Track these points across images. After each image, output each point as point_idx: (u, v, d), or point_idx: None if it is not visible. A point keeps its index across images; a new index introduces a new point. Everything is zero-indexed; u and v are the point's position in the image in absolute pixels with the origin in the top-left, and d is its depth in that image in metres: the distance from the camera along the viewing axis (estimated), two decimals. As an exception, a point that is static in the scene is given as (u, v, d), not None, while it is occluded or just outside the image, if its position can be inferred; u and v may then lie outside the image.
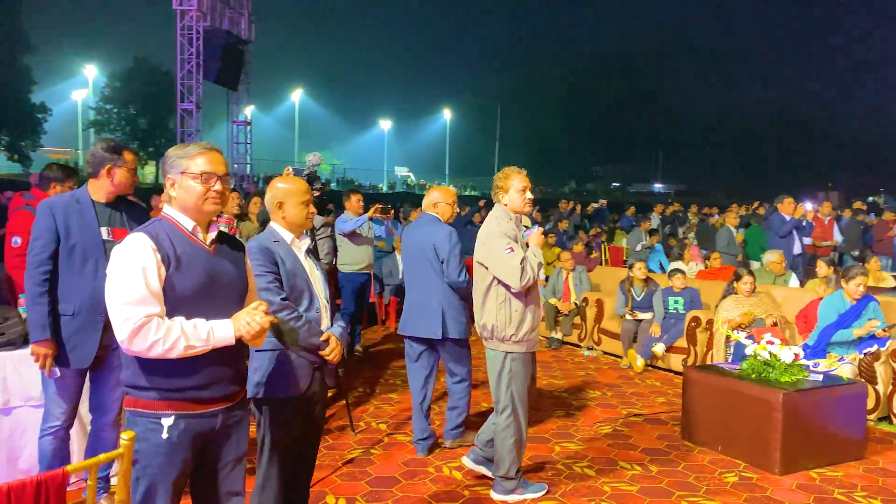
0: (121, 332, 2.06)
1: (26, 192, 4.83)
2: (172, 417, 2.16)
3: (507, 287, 3.75)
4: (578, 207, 15.68)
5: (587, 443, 4.90)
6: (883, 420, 5.35)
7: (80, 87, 42.39)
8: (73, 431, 3.50)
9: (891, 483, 4.23)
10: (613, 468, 4.41)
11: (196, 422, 2.20)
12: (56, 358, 3.27)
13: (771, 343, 4.67)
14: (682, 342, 6.89)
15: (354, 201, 7.11)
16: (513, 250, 3.70)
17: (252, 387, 2.88)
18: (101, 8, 60.35)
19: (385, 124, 57.52)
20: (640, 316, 7.38)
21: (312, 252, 3.09)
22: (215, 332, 2.16)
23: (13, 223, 4.61)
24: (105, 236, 3.33)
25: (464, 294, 4.48)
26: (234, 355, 2.30)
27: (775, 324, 6.11)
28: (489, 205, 5.39)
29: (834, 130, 63.64)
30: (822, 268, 7.89)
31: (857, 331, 5.39)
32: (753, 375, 4.63)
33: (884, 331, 5.38)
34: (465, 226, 11.07)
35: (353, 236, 7.01)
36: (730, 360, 5.99)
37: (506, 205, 3.88)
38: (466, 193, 41.19)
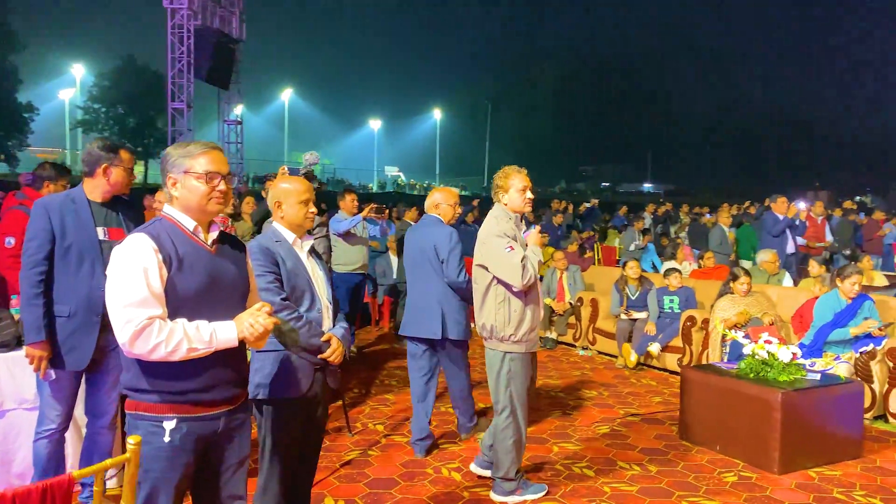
0: (122, 335, 2.02)
1: (19, 192, 4.77)
2: (174, 421, 2.12)
3: (508, 286, 3.73)
4: (571, 207, 15.70)
5: (585, 443, 4.88)
6: (879, 419, 5.37)
7: (67, 87, 42.08)
8: (68, 435, 3.45)
9: (889, 482, 4.24)
10: (612, 468, 4.40)
11: (198, 425, 2.16)
12: (51, 360, 3.22)
13: (769, 342, 4.67)
14: (677, 341, 6.90)
15: (349, 201, 7.07)
16: (512, 249, 3.68)
17: (252, 388, 2.84)
18: (89, 6, 59.96)
19: (375, 124, 57.44)
20: (635, 315, 7.38)
21: (316, 252, 3.06)
22: (218, 333, 2.13)
23: (6, 223, 4.54)
24: (101, 236, 3.28)
25: (464, 294, 4.49)
26: (236, 357, 2.27)
27: (772, 323, 6.12)
28: (482, 204, 5.40)
29: (823, 131, 64.14)
30: (814, 267, 7.94)
31: (854, 329, 5.41)
32: (752, 375, 4.63)
33: (880, 329, 5.40)
34: (459, 225, 11.04)
35: (347, 236, 6.98)
36: (725, 360, 6.01)
37: (505, 204, 3.86)
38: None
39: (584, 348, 8.08)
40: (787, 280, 7.85)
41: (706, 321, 6.61)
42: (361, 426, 5.16)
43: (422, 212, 9.35)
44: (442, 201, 4.69)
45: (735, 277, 6.34)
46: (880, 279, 8.45)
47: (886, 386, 5.28)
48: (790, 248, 8.84)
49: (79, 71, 41.79)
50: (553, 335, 8.35)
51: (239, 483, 2.34)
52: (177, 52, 24.88)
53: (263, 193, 5.80)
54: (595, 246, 12.23)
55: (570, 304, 8.35)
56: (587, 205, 16.37)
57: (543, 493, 3.97)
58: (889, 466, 4.49)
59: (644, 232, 12.06)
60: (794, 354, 4.62)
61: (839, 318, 5.49)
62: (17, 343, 3.65)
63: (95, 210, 3.30)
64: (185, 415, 2.13)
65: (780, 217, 8.81)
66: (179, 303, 2.11)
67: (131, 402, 2.14)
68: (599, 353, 7.90)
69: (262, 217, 5.75)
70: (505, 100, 64.41)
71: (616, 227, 14.42)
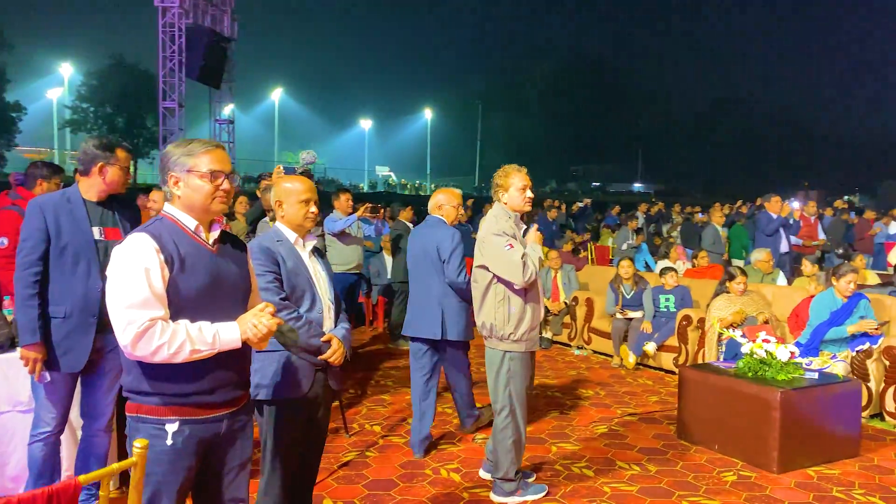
0: (124, 337, 1.98)
1: (12, 192, 4.71)
2: (177, 423, 2.08)
3: (509, 285, 3.71)
4: (563, 207, 15.71)
5: (584, 443, 4.87)
6: (875, 417, 5.39)
7: (55, 86, 41.70)
8: (63, 437, 3.40)
9: (887, 480, 4.24)
10: (612, 468, 4.39)
11: (201, 427, 2.13)
12: (46, 362, 3.17)
13: (767, 341, 4.67)
14: (672, 340, 6.90)
15: (343, 200, 7.04)
16: (512, 247, 3.66)
17: (252, 388, 2.79)
18: (77, 5, 59.52)
19: (366, 124, 57.30)
20: (631, 314, 7.38)
21: (319, 252, 3.03)
22: (221, 335, 2.09)
23: (-1, 223, 4.48)
24: (97, 236, 3.24)
25: (464, 295, 4.48)
26: (238, 358, 2.23)
27: (766, 321, 6.13)
28: (475, 204, 5.39)
29: (812, 131, 64.54)
30: (807, 266, 7.97)
31: (851, 327, 5.42)
32: (750, 374, 4.63)
33: (875, 329, 5.41)
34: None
35: (342, 236, 6.94)
36: (721, 359, 6.01)
37: (505, 203, 3.84)
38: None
39: (579, 348, 8.07)
40: (781, 279, 7.87)
41: (702, 320, 6.62)
42: (358, 427, 5.13)
43: (416, 212, 9.37)
44: (445, 202, 4.70)
45: (731, 277, 6.35)
46: (872, 278, 8.49)
47: (882, 384, 5.30)
48: (784, 248, 8.88)
49: (67, 70, 41.42)
50: (548, 335, 8.33)
51: (241, 486, 2.30)
52: (168, 51, 24.69)
53: (258, 193, 5.75)
54: (588, 245, 12.24)
55: (566, 303, 8.34)
56: (580, 204, 16.39)
57: (543, 493, 3.96)
58: (886, 465, 4.50)
59: (637, 231, 12.08)
60: (791, 353, 4.63)
61: (835, 316, 5.51)
62: (10, 345, 3.60)
63: (91, 209, 3.26)
64: (187, 417, 2.09)
65: (774, 216, 8.84)
66: (181, 304, 2.07)
67: (132, 404, 2.11)
68: (595, 352, 7.90)
69: (257, 217, 5.70)
70: (496, 100, 64.32)
71: (609, 227, 14.44)
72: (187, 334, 2.02)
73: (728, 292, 6.37)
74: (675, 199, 20.06)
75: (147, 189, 7.27)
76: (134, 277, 2.00)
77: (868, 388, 5.31)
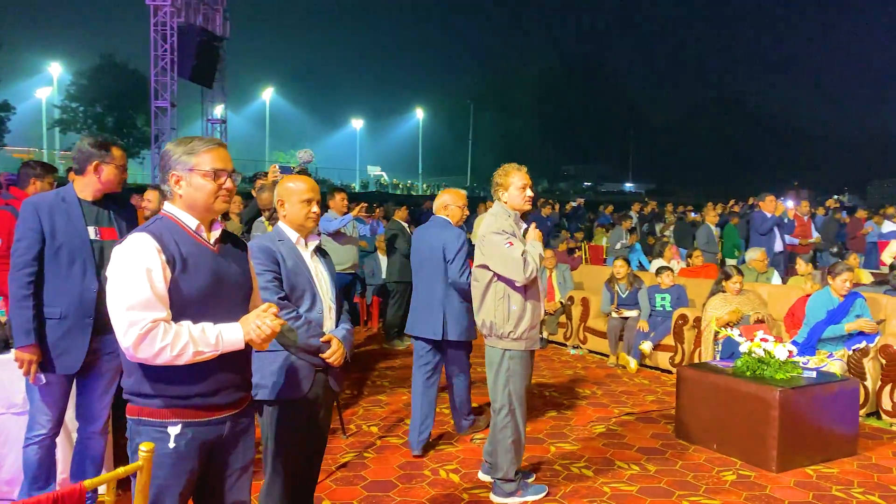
0: (126, 339, 1.94)
1: (4, 192, 4.64)
2: (179, 426, 2.05)
3: (509, 283, 3.70)
4: (557, 207, 15.72)
5: (582, 442, 4.86)
6: (871, 416, 5.40)
7: (44, 85, 41.38)
8: (59, 440, 3.35)
9: (885, 478, 4.25)
10: (611, 468, 4.37)
11: (204, 430, 2.09)
12: (41, 364, 3.13)
13: (765, 340, 4.67)
14: (669, 340, 6.90)
15: (339, 200, 7.00)
16: (512, 244, 3.66)
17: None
18: (66, 4, 59.10)
19: (357, 123, 57.20)
20: (626, 313, 7.38)
21: (322, 252, 3.00)
22: (224, 336, 2.05)
23: (-7, 224, 4.42)
24: (92, 236, 3.20)
25: (467, 296, 4.48)
26: (240, 360, 2.20)
27: (761, 320, 6.14)
28: (470, 204, 5.41)
29: (799, 131, 64.88)
30: (801, 265, 7.99)
31: (849, 325, 5.43)
32: (748, 373, 4.63)
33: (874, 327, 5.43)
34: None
35: (337, 236, 6.90)
36: (718, 358, 6.01)
37: (505, 202, 3.83)
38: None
39: (575, 347, 8.07)
40: (776, 278, 7.89)
41: (698, 319, 6.62)
42: (355, 428, 5.09)
43: (411, 212, 9.34)
44: (451, 203, 4.76)
45: (727, 276, 6.35)
46: (866, 276, 8.52)
47: (879, 383, 5.31)
48: (778, 247, 8.89)
49: (56, 70, 41.11)
50: (544, 334, 8.32)
51: (243, 488, 2.27)
52: (160, 50, 24.57)
53: (253, 192, 5.71)
54: (582, 245, 12.24)
55: (561, 303, 8.33)
56: (573, 204, 16.40)
57: (544, 494, 3.94)
58: (884, 463, 4.51)
59: (631, 231, 12.08)
60: (790, 352, 4.63)
61: (832, 315, 5.51)
62: (5, 346, 3.55)
63: (86, 209, 3.22)
64: (190, 419, 2.06)
65: (769, 215, 8.86)
66: (184, 305, 2.04)
67: (134, 407, 2.07)
68: (590, 351, 7.89)
69: (252, 216, 5.66)
70: (487, 100, 64.43)
71: (603, 226, 14.45)
72: (190, 336, 1.98)
73: (724, 291, 6.37)
74: (667, 199, 20.09)
75: (138, 189, 7.20)
76: (135, 278, 1.97)
77: (865, 387, 5.32)
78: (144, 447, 1.70)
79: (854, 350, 5.40)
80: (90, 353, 3.18)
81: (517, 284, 3.69)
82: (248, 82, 50.73)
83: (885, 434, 5.09)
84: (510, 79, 70.99)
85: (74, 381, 3.29)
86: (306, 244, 2.91)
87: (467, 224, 11.24)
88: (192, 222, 2.15)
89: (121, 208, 3.38)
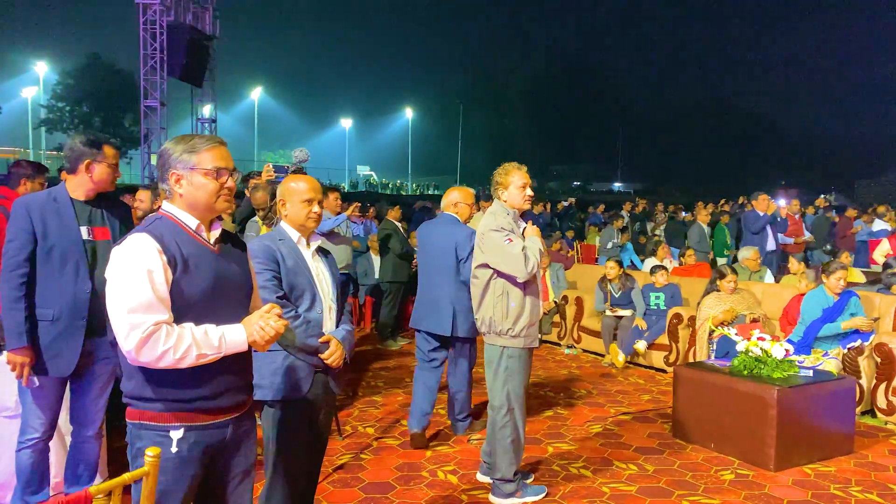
0: (127, 343, 1.89)
1: (-6, 192, 4.56)
2: (182, 430, 2.00)
3: (509, 279, 3.68)
4: (548, 206, 15.73)
5: (579, 442, 4.84)
6: (866, 414, 5.41)
7: (30, 84, 41.02)
8: (52, 444, 3.30)
9: (882, 477, 4.26)
10: (609, 468, 4.36)
11: (207, 434, 2.06)
12: (34, 366, 3.08)
13: (762, 339, 4.67)
14: (663, 339, 6.90)
15: (332, 199, 6.95)
16: (511, 241, 3.64)
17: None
18: (53, 3, 58.56)
19: (346, 123, 57.07)
20: (620, 312, 7.37)
21: (324, 252, 2.96)
22: (227, 338, 2.02)
23: (-18, 225, 4.35)
24: (85, 236, 3.15)
25: None
26: (242, 361, 2.16)
27: (756, 320, 6.15)
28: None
29: (786, 131, 65.32)
30: (794, 264, 8.02)
31: (845, 323, 5.45)
32: (745, 372, 4.62)
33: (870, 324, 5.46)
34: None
35: (330, 235, 6.85)
36: (713, 357, 6.01)
37: (505, 201, 3.81)
38: (430, 193, 41.12)
39: (569, 347, 8.06)
40: (769, 277, 7.91)
41: (692, 318, 6.62)
42: (351, 429, 5.05)
43: (403, 211, 9.31)
44: (460, 200, 4.85)
45: (722, 275, 6.36)
46: (858, 275, 8.56)
47: (874, 381, 5.32)
48: (770, 245, 8.92)
49: (42, 69, 40.76)
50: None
51: (245, 492, 2.23)
52: (149, 49, 24.37)
53: (247, 192, 5.65)
54: (575, 244, 12.25)
55: (555, 302, 8.32)
56: (564, 203, 16.42)
57: (543, 494, 3.91)
58: (881, 461, 4.52)
59: (622, 230, 12.10)
60: (786, 351, 4.63)
61: (828, 313, 5.53)
62: (-4, 348, 3.48)
63: (79, 208, 3.17)
64: (192, 423, 2.02)
65: (761, 214, 8.88)
66: (185, 306, 1.99)
67: (134, 411, 2.02)
68: (585, 351, 7.89)
69: (246, 216, 5.61)
70: (476, 99, 64.46)
71: (595, 225, 14.47)
72: (193, 338, 1.94)
73: (718, 291, 6.37)
74: (655, 198, 20.13)
75: (126, 190, 7.07)
76: (136, 280, 1.92)
77: (860, 385, 5.33)
78: (151, 452, 1.66)
79: (849, 349, 5.42)
80: (84, 355, 3.14)
81: (519, 280, 3.67)
82: (236, 81, 50.46)
83: (880, 432, 5.11)
84: (500, 78, 71.09)
85: (68, 384, 3.24)
86: (308, 244, 2.87)
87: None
88: (192, 222, 2.11)
89: (114, 207, 3.33)
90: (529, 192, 3.81)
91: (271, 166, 5.23)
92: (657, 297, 7.22)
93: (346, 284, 7.13)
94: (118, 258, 1.98)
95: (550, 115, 67.24)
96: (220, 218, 5.92)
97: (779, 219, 9.02)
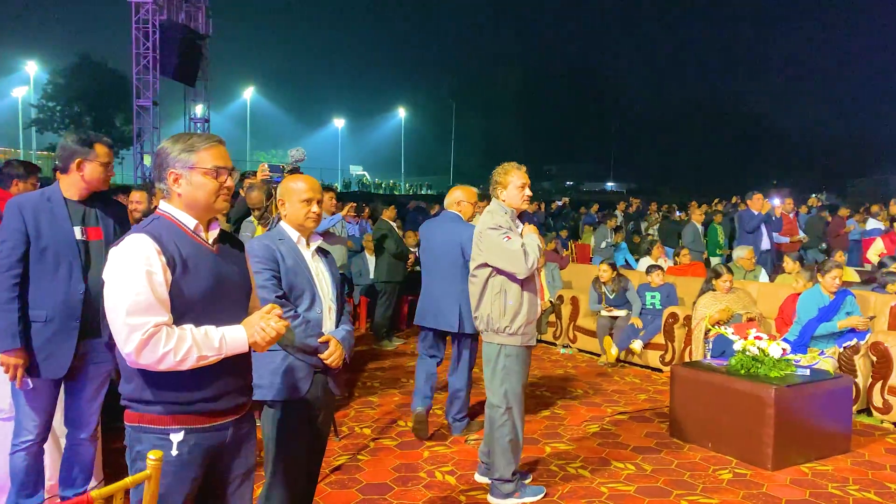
0: (127, 345, 1.86)
1: (-14, 192, 4.51)
2: (182, 433, 1.98)
3: (508, 277, 3.67)
4: (542, 206, 15.74)
5: (577, 442, 4.83)
6: (862, 412, 5.42)
7: (20, 84, 40.76)
8: (47, 446, 3.26)
9: (879, 475, 4.26)
10: (607, 468, 4.35)
11: (207, 436, 2.03)
12: (27, 368, 3.04)
13: (759, 338, 4.67)
14: (659, 338, 6.90)
15: (327, 199, 6.91)
16: (510, 238, 3.63)
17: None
18: (43, 1, 58.18)
19: (339, 122, 56.97)
20: (616, 312, 7.36)
21: (324, 252, 2.94)
22: (227, 339, 1.99)
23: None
24: (78, 236, 3.11)
25: None
26: (242, 363, 2.14)
27: (751, 319, 6.15)
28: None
29: (778, 132, 65.52)
30: (788, 263, 8.02)
31: (842, 322, 5.46)
32: (742, 371, 4.62)
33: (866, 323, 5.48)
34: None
35: (326, 235, 6.81)
36: (709, 356, 6.01)
37: (503, 200, 3.79)
38: (423, 193, 41.11)
39: (565, 346, 8.05)
40: (763, 276, 7.92)
41: (688, 318, 6.62)
42: (348, 430, 5.02)
43: (397, 210, 9.29)
44: (464, 199, 4.90)
45: (717, 275, 6.36)
46: (852, 274, 8.58)
47: (870, 380, 5.33)
48: (765, 245, 8.94)
49: (32, 68, 40.50)
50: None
51: (245, 495, 2.21)
52: (141, 48, 24.21)
53: (241, 192, 5.62)
54: (569, 243, 12.25)
55: (551, 302, 8.30)
56: (558, 203, 16.43)
57: (542, 494, 3.90)
58: (878, 460, 4.52)
59: (616, 230, 12.12)
60: (783, 350, 4.63)
61: (824, 312, 5.53)
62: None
63: (72, 208, 3.13)
64: (192, 426, 1.99)
65: (756, 213, 8.90)
66: (185, 308, 1.97)
67: (133, 413, 1.99)
68: (580, 350, 7.88)
69: (241, 216, 5.57)
70: (469, 99, 64.46)
71: (590, 225, 14.48)
72: (193, 340, 1.91)
73: (714, 290, 6.37)
74: (648, 198, 20.19)
75: (119, 190, 6.96)
76: (135, 281, 1.89)
77: (856, 384, 5.33)
78: (153, 455, 1.64)
79: (845, 347, 5.43)
80: (77, 357, 3.10)
81: (519, 277, 3.65)
82: (228, 81, 50.25)
83: (876, 431, 5.12)
84: (492, 78, 71.07)
85: (62, 386, 3.20)
86: (308, 244, 2.85)
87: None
88: (190, 222, 2.08)
89: (108, 206, 3.29)
90: (528, 192, 3.80)
91: (266, 166, 5.20)
92: (653, 297, 7.22)
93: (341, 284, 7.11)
94: (116, 259, 1.95)
95: (544, 115, 67.32)
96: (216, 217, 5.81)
97: (773, 218, 9.04)
